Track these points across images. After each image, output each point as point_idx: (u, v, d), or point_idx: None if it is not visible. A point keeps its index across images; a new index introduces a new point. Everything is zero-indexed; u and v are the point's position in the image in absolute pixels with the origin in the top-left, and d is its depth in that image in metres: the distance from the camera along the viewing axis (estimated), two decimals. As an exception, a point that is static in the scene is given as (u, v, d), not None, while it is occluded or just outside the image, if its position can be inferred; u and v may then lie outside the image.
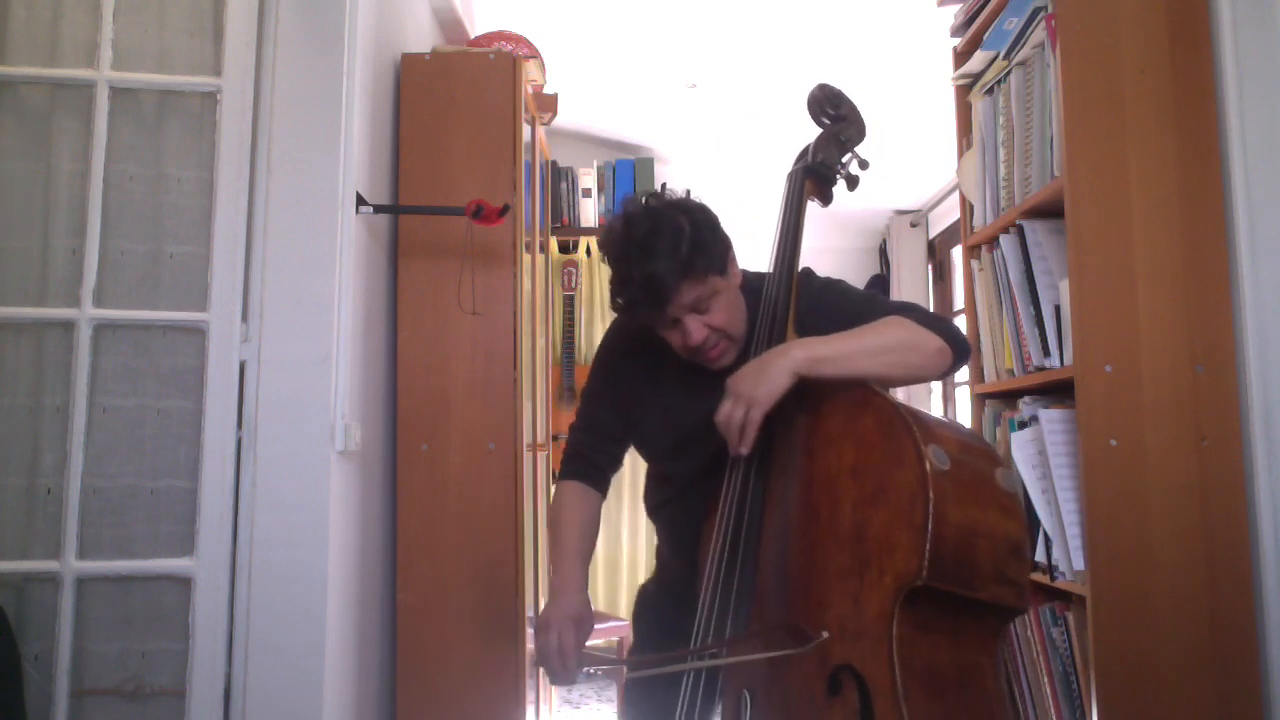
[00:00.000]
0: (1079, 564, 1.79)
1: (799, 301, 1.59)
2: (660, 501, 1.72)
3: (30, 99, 1.89)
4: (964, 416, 4.87)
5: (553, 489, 1.79)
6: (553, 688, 3.47)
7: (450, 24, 3.05)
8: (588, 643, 1.57)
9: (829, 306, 1.58)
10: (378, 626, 2.30)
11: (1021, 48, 2.04)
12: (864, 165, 1.74)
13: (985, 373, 2.30)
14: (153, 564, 1.82)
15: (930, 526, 1.18)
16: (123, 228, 1.88)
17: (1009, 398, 2.17)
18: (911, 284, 5.11)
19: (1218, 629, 1.72)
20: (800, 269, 1.64)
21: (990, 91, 2.25)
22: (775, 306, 1.56)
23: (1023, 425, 1.98)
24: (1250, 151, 1.78)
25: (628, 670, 1.52)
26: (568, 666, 1.50)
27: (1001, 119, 2.18)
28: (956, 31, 2.42)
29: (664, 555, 1.75)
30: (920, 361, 1.47)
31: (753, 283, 1.64)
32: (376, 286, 2.34)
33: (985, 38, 2.21)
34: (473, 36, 3.08)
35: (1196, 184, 1.81)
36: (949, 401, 5.01)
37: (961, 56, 2.41)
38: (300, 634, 1.85)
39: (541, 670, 1.50)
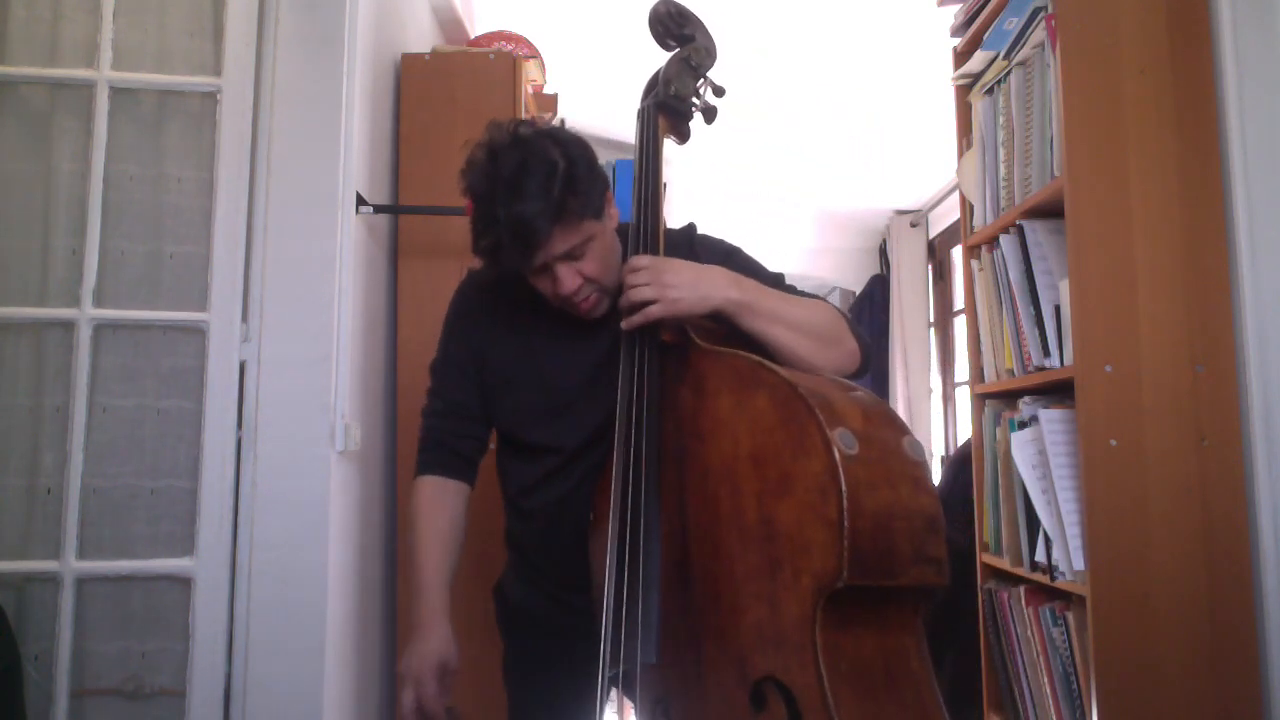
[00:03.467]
0: (1079, 564, 1.79)
1: (693, 254, 1.46)
2: (531, 483, 1.52)
3: (30, 99, 1.89)
4: (964, 417, 4.87)
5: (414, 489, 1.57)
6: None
7: (450, 24, 3.05)
8: None
9: (741, 269, 1.44)
10: (378, 626, 2.30)
11: (1021, 48, 2.04)
12: (719, 92, 1.55)
13: (985, 373, 2.30)
14: (153, 564, 1.82)
15: (846, 522, 1.08)
16: (123, 228, 1.88)
17: (1009, 398, 2.17)
18: (911, 284, 5.11)
19: (1218, 629, 1.72)
20: (686, 224, 1.53)
21: (990, 91, 2.25)
22: (641, 244, 1.42)
23: (1023, 425, 1.98)
24: (1250, 151, 1.78)
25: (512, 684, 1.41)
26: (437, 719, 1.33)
27: (1001, 119, 2.18)
28: (956, 31, 2.42)
29: (527, 546, 1.56)
30: (833, 357, 1.37)
31: (622, 232, 1.50)
32: (376, 286, 2.34)
33: (985, 38, 2.21)
34: (473, 36, 3.08)
35: (1196, 184, 1.81)
36: (949, 402, 5.01)
37: (961, 56, 2.41)
38: (300, 634, 1.85)
39: None
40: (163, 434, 1.86)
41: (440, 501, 1.53)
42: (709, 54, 1.55)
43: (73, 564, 1.77)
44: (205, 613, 1.81)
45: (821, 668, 1.09)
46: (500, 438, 1.61)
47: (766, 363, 1.23)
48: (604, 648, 1.27)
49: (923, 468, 1.18)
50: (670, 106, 1.52)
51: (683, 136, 1.57)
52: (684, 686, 1.23)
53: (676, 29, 1.55)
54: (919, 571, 1.14)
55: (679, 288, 1.31)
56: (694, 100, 1.54)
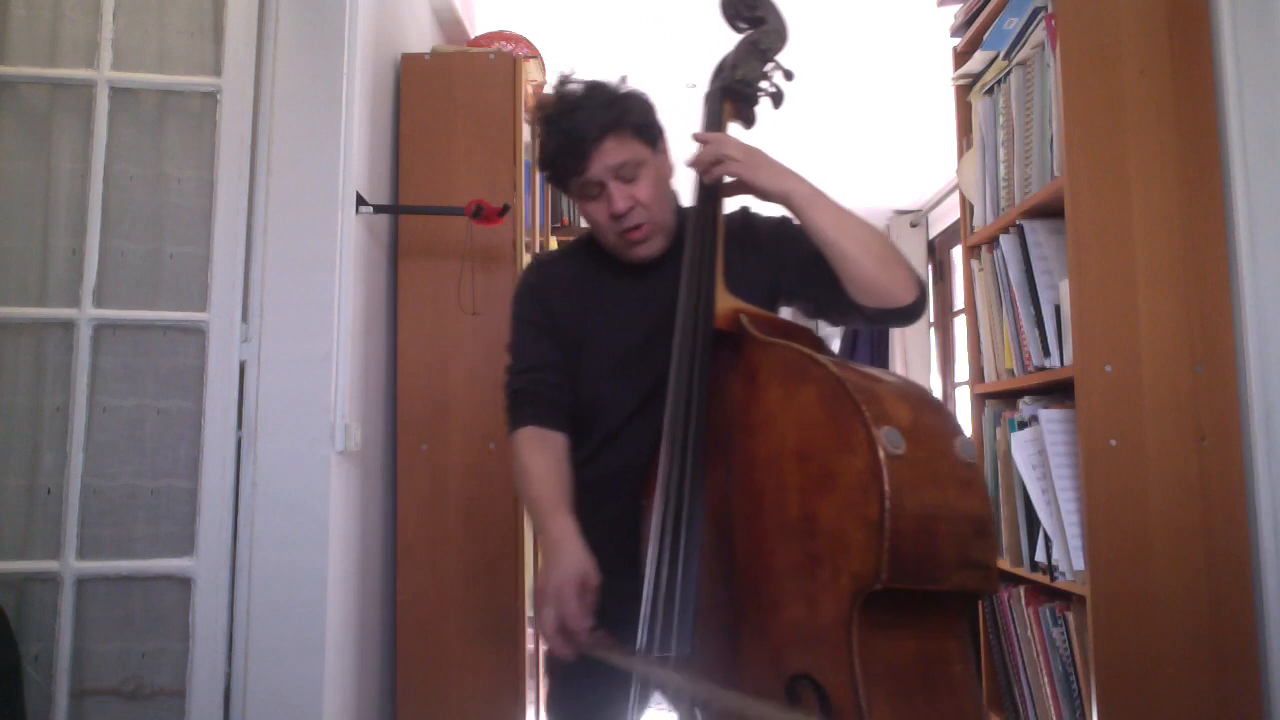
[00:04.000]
0: (1079, 564, 1.79)
1: (750, 228, 1.53)
2: (587, 453, 1.55)
3: (30, 99, 1.89)
4: (964, 417, 4.87)
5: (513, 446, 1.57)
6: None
7: (450, 24, 3.05)
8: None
9: (790, 235, 1.50)
10: (378, 626, 2.30)
11: (1021, 48, 2.04)
12: (789, 76, 1.55)
13: (985, 373, 2.30)
14: (153, 564, 1.82)
15: (887, 523, 1.05)
16: (123, 228, 1.88)
17: (1009, 398, 2.17)
18: (911, 284, 5.10)
19: (1218, 629, 1.72)
20: (740, 208, 1.56)
21: (990, 91, 2.25)
22: (701, 226, 1.44)
23: (1023, 425, 1.98)
24: (1250, 151, 1.78)
25: (597, 651, 1.32)
26: (576, 641, 1.32)
27: (1001, 119, 2.18)
28: (956, 31, 2.42)
29: (580, 524, 1.51)
30: (893, 276, 1.39)
31: (681, 215, 1.57)
32: (376, 286, 2.34)
33: (985, 38, 2.21)
34: (473, 36, 3.08)
35: (1196, 184, 1.81)
36: (949, 402, 5.01)
37: (961, 56, 2.41)
38: (300, 634, 1.85)
39: (544, 649, 1.36)
40: (163, 434, 1.86)
41: (546, 442, 1.53)
42: (780, 37, 1.53)
43: (73, 564, 1.77)
44: (205, 613, 1.81)
45: (856, 669, 1.06)
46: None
47: (817, 356, 1.20)
48: (641, 636, 1.27)
49: (974, 469, 1.14)
50: (736, 91, 1.52)
51: (748, 122, 1.56)
52: (720, 679, 1.22)
53: (747, 11, 1.54)
54: (963, 576, 1.10)
55: (762, 162, 1.41)
56: (761, 85, 1.53)
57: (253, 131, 1.91)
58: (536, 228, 3.37)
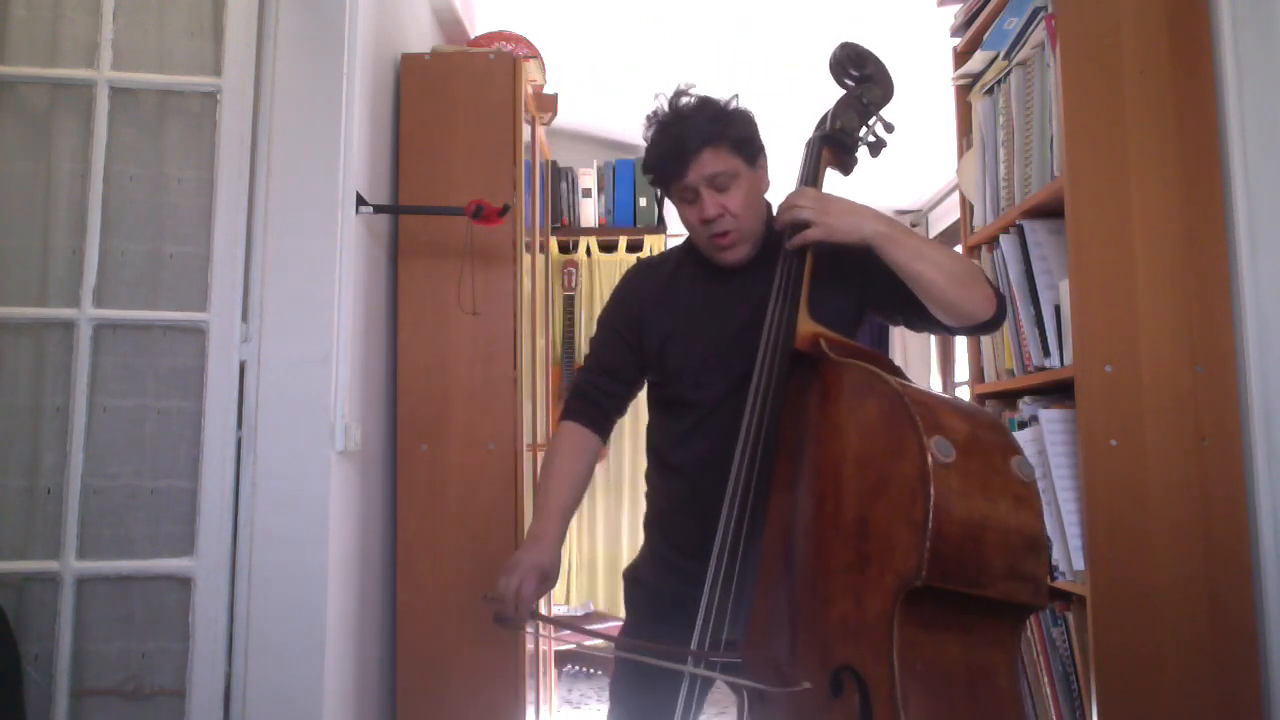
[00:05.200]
0: (1079, 564, 1.79)
1: (835, 255, 1.60)
2: (677, 438, 1.68)
3: (30, 99, 1.89)
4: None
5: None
6: (549, 687, 3.47)
7: (450, 24, 3.05)
8: (570, 615, 1.56)
9: (872, 259, 1.58)
10: (378, 626, 2.30)
11: (1021, 48, 2.04)
12: (889, 129, 1.70)
13: (985, 373, 2.30)
14: (153, 564, 1.82)
15: (930, 524, 1.14)
16: (123, 228, 1.87)
17: (1009, 398, 2.17)
18: (911, 284, 5.11)
19: (1218, 628, 1.72)
20: None
21: (990, 91, 2.25)
22: (790, 257, 1.57)
23: (1023, 425, 1.98)
24: (1250, 151, 1.78)
25: (617, 649, 1.54)
26: (519, 613, 1.50)
27: (1001, 119, 2.18)
28: (956, 31, 2.42)
29: (666, 507, 1.72)
30: (971, 296, 1.50)
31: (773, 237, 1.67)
32: (376, 286, 2.34)
33: (985, 38, 2.21)
34: (473, 36, 3.08)
35: (1196, 184, 1.81)
36: (949, 401, 5.01)
37: (961, 56, 2.41)
38: (300, 634, 1.85)
39: (494, 613, 1.53)
40: (163, 434, 1.86)
41: (581, 448, 1.71)
42: (884, 95, 1.67)
43: (73, 564, 1.77)
44: (205, 613, 1.81)
45: (895, 662, 1.14)
46: (653, 402, 1.77)
47: (884, 375, 1.30)
48: (699, 620, 1.39)
49: (1030, 488, 1.21)
50: (836, 140, 1.66)
51: (846, 169, 1.71)
52: (772, 665, 1.31)
53: (857, 70, 1.67)
54: (1010, 587, 1.17)
55: (836, 215, 1.52)
56: (860, 135, 1.68)
57: (253, 131, 1.91)
58: (536, 228, 3.38)
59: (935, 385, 5.10)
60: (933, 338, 5.12)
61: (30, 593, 1.79)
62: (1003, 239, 2.09)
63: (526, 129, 2.62)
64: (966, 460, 1.18)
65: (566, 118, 3.96)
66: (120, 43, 1.89)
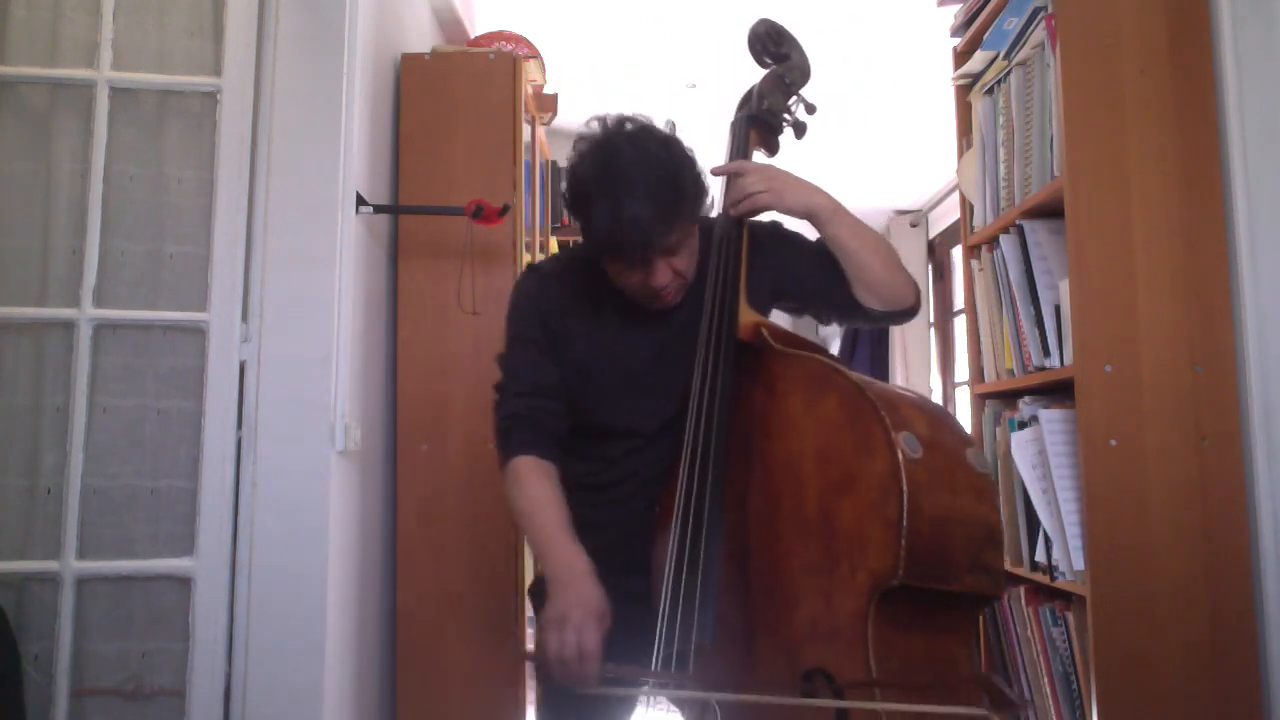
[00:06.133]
0: (1079, 564, 1.79)
1: (769, 238, 1.57)
2: (608, 462, 1.52)
3: (30, 99, 1.89)
4: (964, 417, 4.87)
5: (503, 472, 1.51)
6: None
7: (450, 24, 3.05)
8: None
9: (791, 240, 1.59)
10: (378, 627, 2.30)
11: (1021, 48, 2.04)
12: (811, 110, 1.65)
13: (985, 373, 2.30)
14: (153, 564, 1.82)
15: (905, 522, 1.11)
16: (123, 228, 1.87)
17: (1009, 398, 2.17)
18: (911, 284, 5.10)
19: (1218, 629, 1.72)
20: (770, 220, 1.60)
21: (990, 91, 2.25)
22: (726, 245, 1.49)
23: (1023, 425, 1.98)
24: (1250, 151, 1.78)
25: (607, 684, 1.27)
26: (590, 671, 1.23)
27: (1001, 119, 2.18)
28: (956, 31, 2.42)
29: (590, 528, 1.47)
30: (898, 280, 1.49)
31: (703, 223, 1.53)
32: (376, 286, 2.34)
33: (985, 38, 2.21)
34: (473, 36, 3.08)
35: (1196, 184, 1.81)
36: (949, 402, 5.01)
37: (961, 56, 2.41)
38: (300, 634, 1.85)
39: (547, 673, 1.29)
40: (163, 434, 1.86)
41: (544, 472, 1.47)
42: (803, 73, 1.64)
43: (73, 564, 1.77)
44: (205, 613, 1.81)
45: (871, 663, 1.12)
46: (577, 424, 1.56)
47: (839, 366, 1.27)
48: (660, 628, 1.27)
49: (986, 480, 1.21)
50: (763, 120, 1.62)
51: (771, 149, 1.66)
52: (735, 675, 1.26)
53: (774, 48, 1.63)
54: (974, 580, 1.17)
55: (784, 185, 1.48)
56: (785, 116, 1.64)
57: (253, 131, 1.91)
58: (536, 228, 3.37)
59: (936, 385, 5.09)
60: (933, 337, 5.12)
61: (30, 593, 1.79)
62: (1003, 239, 2.09)
63: (526, 129, 2.62)
64: (932, 455, 1.16)
65: (566, 118, 3.96)
66: (120, 43, 1.89)
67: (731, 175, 1.53)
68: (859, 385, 1.22)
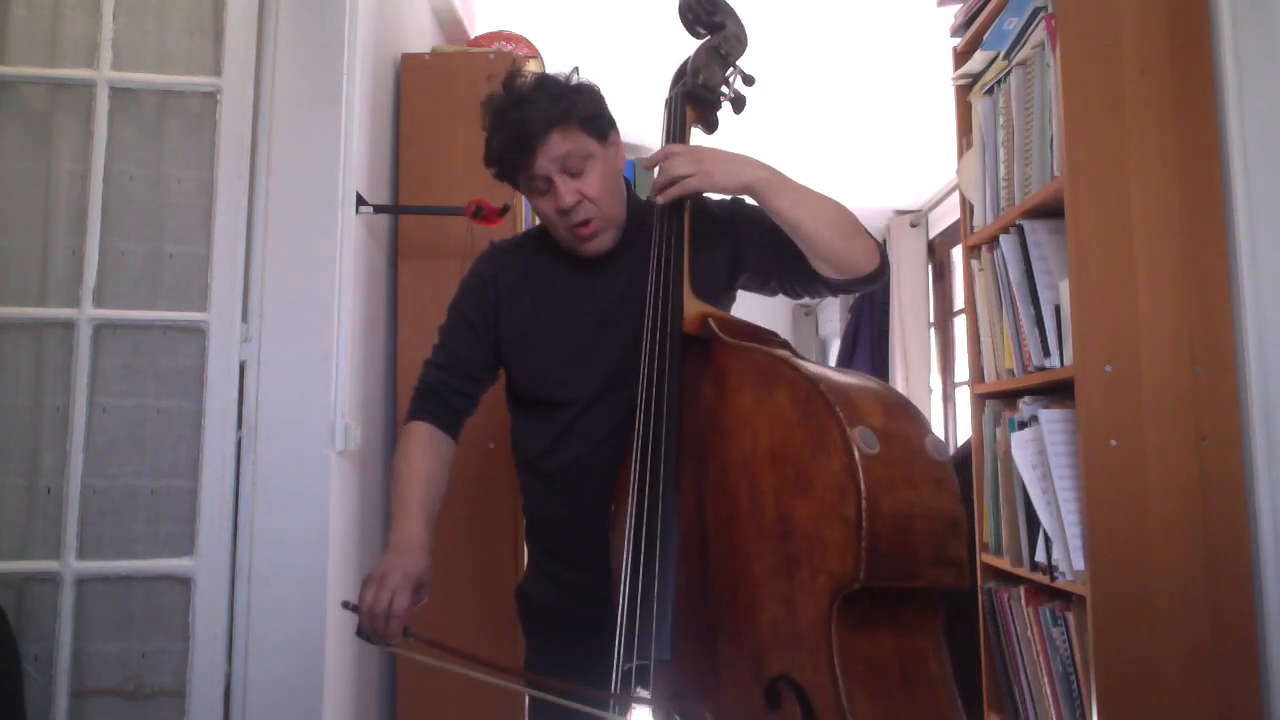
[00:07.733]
0: (1079, 564, 1.79)
1: (704, 216, 1.52)
2: (549, 442, 1.54)
3: (30, 99, 1.89)
4: (964, 417, 4.87)
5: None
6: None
7: (450, 24, 3.05)
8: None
9: (745, 214, 1.53)
10: (378, 626, 2.30)
11: (1021, 48, 2.04)
12: (749, 81, 1.57)
13: (985, 373, 2.30)
14: (153, 564, 1.82)
15: (864, 522, 1.06)
16: (123, 228, 1.87)
17: (1009, 398, 2.17)
18: (911, 284, 5.11)
19: (1218, 629, 1.72)
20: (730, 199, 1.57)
21: (990, 91, 2.25)
22: (665, 234, 1.46)
23: (1023, 425, 1.98)
24: (1250, 152, 1.78)
25: (526, 684, 1.38)
26: (390, 628, 1.35)
27: (1001, 119, 2.18)
28: (956, 31, 2.42)
29: (547, 523, 1.57)
30: (855, 247, 1.41)
31: (645, 204, 1.56)
32: (376, 286, 2.34)
33: (985, 38, 2.21)
34: (473, 36, 3.08)
35: (1196, 184, 1.81)
36: (949, 402, 5.01)
37: (961, 56, 2.41)
38: (300, 634, 1.85)
39: (359, 626, 1.38)
40: (163, 434, 1.86)
41: (432, 447, 1.56)
42: (739, 42, 1.55)
43: (73, 564, 1.77)
44: (205, 613, 1.81)
45: (836, 668, 1.07)
46: (516, 402, 1.63)
47: (790, 359, 1.21)
48: (618, 643, 1.25)
49: (945, 468, 1.15)
50: (698, 96, 1.54)
51: (710, 126, 1.58)
52: (699, 683, 1.22)
53: (706, 16, 1.55)
54: (938, 573, 1.12)
55: (714, 163, 1.40)
56: (723, 89, 1.55)
57: (253, 131, 1.91)
58: (536, 228, 3.37)
59: (935, 385, 5.09)
60: (933, 337, 5.11)
61: (30, 593, 1.79)
62: (1003, 239, 2.09)
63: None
64: (889, 448, 1.11)
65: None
66: (120, 43, 1.89)
67: (659, 160, 1.46)
68: (810, 378, 1.16)
